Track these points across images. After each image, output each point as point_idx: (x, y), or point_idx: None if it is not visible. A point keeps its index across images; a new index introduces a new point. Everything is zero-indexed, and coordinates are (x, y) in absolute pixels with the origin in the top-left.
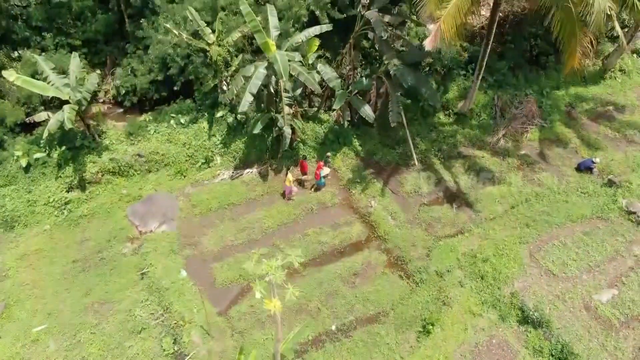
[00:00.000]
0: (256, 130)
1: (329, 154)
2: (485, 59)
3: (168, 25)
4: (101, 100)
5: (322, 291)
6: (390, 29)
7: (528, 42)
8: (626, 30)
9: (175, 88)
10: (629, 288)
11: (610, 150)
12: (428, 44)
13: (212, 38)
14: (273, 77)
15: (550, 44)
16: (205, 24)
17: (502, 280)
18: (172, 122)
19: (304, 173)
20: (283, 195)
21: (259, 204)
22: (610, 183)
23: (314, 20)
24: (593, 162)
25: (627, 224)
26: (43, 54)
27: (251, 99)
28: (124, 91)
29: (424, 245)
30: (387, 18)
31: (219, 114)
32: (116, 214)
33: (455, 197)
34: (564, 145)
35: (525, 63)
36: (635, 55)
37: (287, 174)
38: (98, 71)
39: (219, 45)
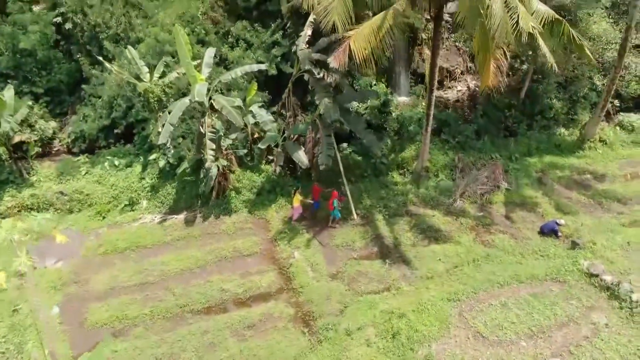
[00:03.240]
0: (179, 170)
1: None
2: (432, 109)
3: (104, 61)
4: (55, 149)
5: (203, 342)
6: (325, 70)
7: (502, 112)
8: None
9: (116, 131)
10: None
11: (582, 216)
12: (333, 61)
13: (147, 77)
14: (206, 118)
15: (524, 114)
16: (144, 64)
17: (417, 341)
18: (106, 164)
19: (313, 199)
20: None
21: (171, 248)
22: (574, 245)
23: (266, 74)
24: (557, 224)
25: (588, 288)
26: None
27: (170, 129)
28: (73, 137)
29: (340, 300)
30: (320, 57)
31: (152, 157)
32: (17, 249)
33: (391, 254)
34: (529, 209)
35: (495, 128)
36: (619, 127)
37: (294, 194)
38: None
39: (155, 85)
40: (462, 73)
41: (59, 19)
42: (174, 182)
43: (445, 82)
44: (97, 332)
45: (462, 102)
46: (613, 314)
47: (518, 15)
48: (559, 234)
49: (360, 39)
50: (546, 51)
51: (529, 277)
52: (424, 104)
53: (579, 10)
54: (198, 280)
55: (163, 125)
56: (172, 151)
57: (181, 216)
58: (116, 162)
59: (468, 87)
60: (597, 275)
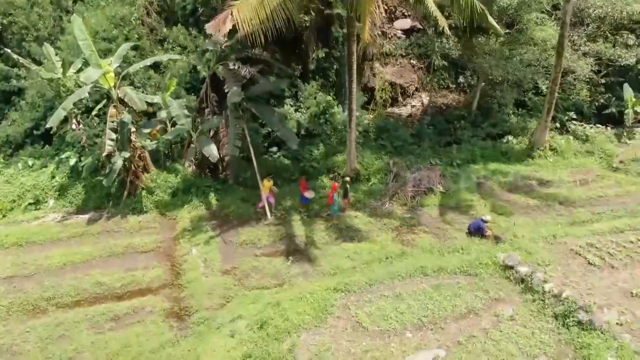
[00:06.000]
0: (84, 165)
1: (347, 178)
2: (354, 103)
3: (17, 57)
4: None
5: (53, 333)
6: (240, 63)
7: (452, 124)
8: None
9: (36, 132)
10: (465, 351)
11: (517, 217)
12: (209, 28)
13: (60, 70)
14: (110, 108)
15: (474, 125)
16: (58, 59)
17: (286, 330)
18: (19, 164)
19: (301, 193)
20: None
21: (63, 244)
22: (497, 240)
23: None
24: (483, 221)
25: (500, 281)
26: None
27: (62, 114)
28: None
29: (224, 295)
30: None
31: (64, 155)
32: None
33: (298, 252)
34: (462, 211)
35: (437, 136)
36: (572, 137)
37: (262, 181)
38: None
39: (68, 79)
40: (417, 90)
41: None
42: (84, 181)
43: (399, 99)
44: None
45: (415, 116)
46: (523, 307)
47: None
48: (486, 232)
49: (246, 10)
50: (436, 11)
51: (437, 270)
52: (370, 115)
53: (522, 16)
54: (77, 274)
55: (75, 119)
56: (87, 149)
57: (86, 215)
58: (30, 162)
59: (422, 103)
60: (512, 267)
